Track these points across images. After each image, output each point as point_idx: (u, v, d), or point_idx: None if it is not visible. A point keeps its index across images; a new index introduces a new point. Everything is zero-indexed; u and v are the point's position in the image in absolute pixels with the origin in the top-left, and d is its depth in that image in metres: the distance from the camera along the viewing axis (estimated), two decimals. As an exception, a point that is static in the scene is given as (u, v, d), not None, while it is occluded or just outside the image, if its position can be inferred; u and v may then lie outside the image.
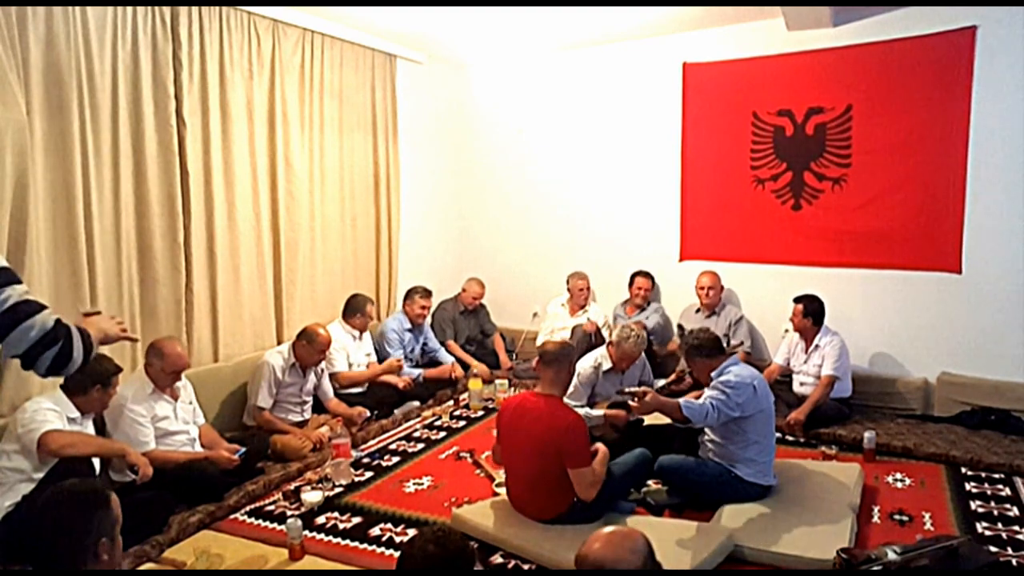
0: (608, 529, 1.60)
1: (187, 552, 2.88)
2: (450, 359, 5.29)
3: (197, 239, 4.03)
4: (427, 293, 5.13)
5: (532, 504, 2.98)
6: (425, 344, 5.29)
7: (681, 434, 3.53)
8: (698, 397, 3.36)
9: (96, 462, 3.01)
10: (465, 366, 5.31)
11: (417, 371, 4.97)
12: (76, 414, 2.96)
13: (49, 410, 2.84)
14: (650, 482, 3.41)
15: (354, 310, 4.68)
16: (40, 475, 2.78)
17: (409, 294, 5.14)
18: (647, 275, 5.37)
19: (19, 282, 1.61)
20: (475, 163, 6.28)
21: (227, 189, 4.21)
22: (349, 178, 5.14)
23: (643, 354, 4.13)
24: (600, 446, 3.02)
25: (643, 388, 3.09)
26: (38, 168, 3.26)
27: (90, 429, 3.10)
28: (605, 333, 5.15)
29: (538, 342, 5.59)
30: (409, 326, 5.11)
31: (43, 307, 1.62)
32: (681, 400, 3.13)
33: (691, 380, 3.82)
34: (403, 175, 5.64)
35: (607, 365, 4.00)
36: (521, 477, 3.01)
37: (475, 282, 5.68)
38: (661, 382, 3.88)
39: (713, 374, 3.24)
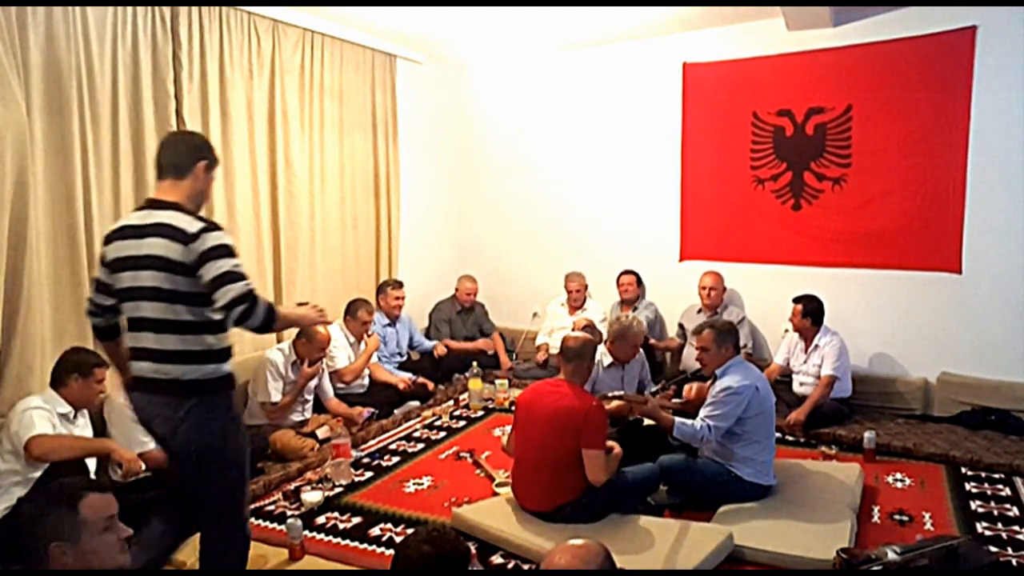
0: (572, 541, 1.62)
1: (187, 552, 2.88)
2: (431, 344, 5.35)
3: (197, 239, 4.02)
4: (398, 284, 5.15)
5: (539, 489, 2.98)
6: (411, 339, 5.29)
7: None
8: (694, 399, 3.46)
9: (92, 463, 3.01)
10: (466, 365, 5.29)
11: (407, 374, 4.97)
12: (67, 409, 2.97)
13: (37, 409, 2.84)
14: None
15: (346, 314, 4.68)
16: (35, 475, 2.79)
17: (381, 288, 5.15)
18: (631, 273, 5.41)
19: (234, 256, 2.14)
20: (475, 163, 6.28)
21: (227, 189, 4.21)
22: (349, 178, 5.15)
23: (643, 352, 4.13)
24: (617, 446, 3.05)
25: (644, 396, 3.26)
26: (38, 168, 3.27)
27: (87, 430, 3.10)
28: (603, 328, 5.16)
29: (538, 342, 5.61)
30: (387, 321, 5.12)
31: (246, 278, 2.13)
32: (677, 420, 3.19)
33: (677, 397, 3.84)
34: (403, 175, 5.64)
35: (607, 360, 4.01)
36: (533, 459, 3.00)
37: (466, 278, 5.71)
38: (654, 388, 3.90)
39: (718, 371, 3.27)
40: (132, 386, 2.28)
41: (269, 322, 2.18)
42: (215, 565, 2.34)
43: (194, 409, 2.18)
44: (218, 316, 2.13)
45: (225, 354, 2.27)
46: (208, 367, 2.21)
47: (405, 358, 5.25)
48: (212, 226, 2.17)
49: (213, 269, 2.09)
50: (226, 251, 2.13)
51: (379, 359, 4.93)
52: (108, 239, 2.27)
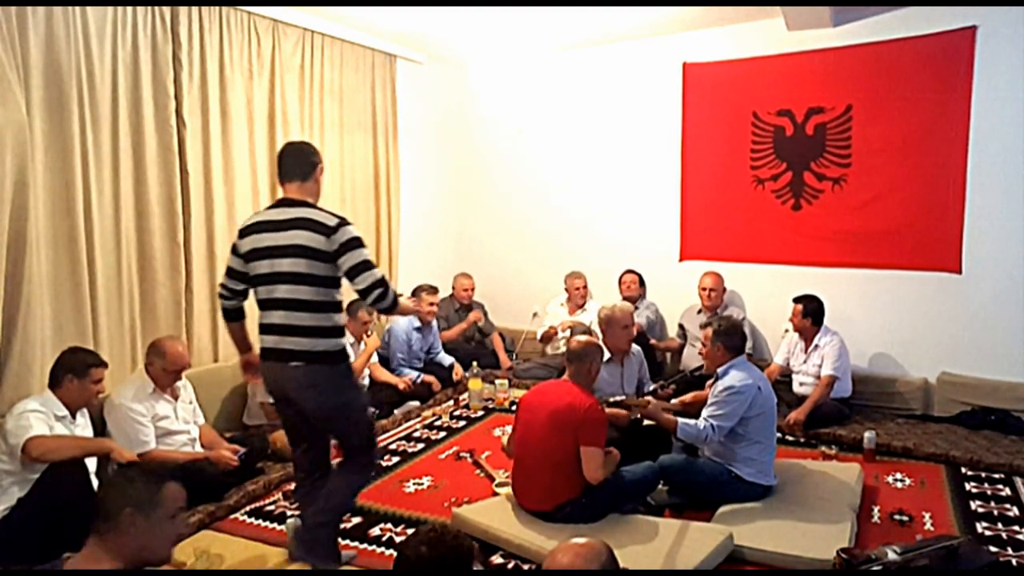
0: (575, 540, 1.62)
1: (187, 552, 2.88)
2: (449, 360, 5.29)
3: (197, 239, 4.03)
4: (433, 290, 5.13)
5: (540, 489, 2.98)
6: (432, 345, 5.28)
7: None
8: (692, 403, 3.48)
9: (92, 463, 3.01)
10: (466, 365, 5.29)
11: (416, 373, 4.96)
12: (64, 412, 2.96)
13: (33, 412, 2.83)
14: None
15: (346, 314, 4.66)
16: (34, 476, 2.78)
17: (416, 292, 5.14)
18: (633, 272, 5.43)
19: (365, 247, 2.55)
20: (475, 163, 6.28)
21: (227, 189, 4.21)
22: (349, 178, 5.14)
23: (641, 352, 4.13)
24: (614, 450, 3.05)
25: (645, 399, 3.30)
26: (38, 168, 3.27)
27: (88, 430, 3.10)
28: (597, 329, 5.16)
29: (539, 333, 5.61)
30: (418, 325, 5.11)
31: (377, 266, 2.56)
32: (680, 421, 3.19)
33: (671, 391, 3.84)
34: (403, 175, 5.64)
35: (606, 356, 4.01)
36: (533, 459, 3.01)
37: (462, 276, 5.72)
38: (652, 387, 3.90)
39: (720, 370, 3.27)
40: (262, 356, 2.66)
41: (395, 304, 2.60)
42: (351, 480, 2.80)
43: (322, 376, 2.58)
44: (357, 296, 2.56)
45: (342, 331, 2.66)
46: (331, 340, 2.59)
47: (422, 364, 5.22)
48: (345, 221, 2.55)
49: (353, 257, 2.50)
50: (360, 243, 2.54)
51: (397, 361, 4.94)
52: (243, 233, 2.63)
